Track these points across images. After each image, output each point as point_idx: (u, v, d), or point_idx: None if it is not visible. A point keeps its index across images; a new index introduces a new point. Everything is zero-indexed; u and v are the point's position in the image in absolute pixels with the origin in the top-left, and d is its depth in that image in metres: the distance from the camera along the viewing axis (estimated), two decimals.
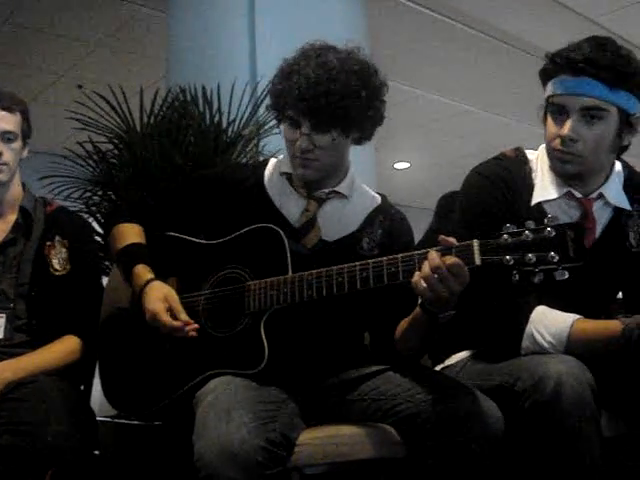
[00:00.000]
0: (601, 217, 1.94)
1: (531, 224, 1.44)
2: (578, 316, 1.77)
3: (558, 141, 1.82)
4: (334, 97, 1.76)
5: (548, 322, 1.77)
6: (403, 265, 1.56)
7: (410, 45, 6.06)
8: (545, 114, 1.89)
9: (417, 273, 1.52)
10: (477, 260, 1.47)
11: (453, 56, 6.33)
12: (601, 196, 1.92)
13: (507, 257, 1.44)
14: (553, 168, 1.89)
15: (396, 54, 6.06)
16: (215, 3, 4.15)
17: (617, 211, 1.94)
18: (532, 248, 1.42)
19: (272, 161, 2.06)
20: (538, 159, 1.97)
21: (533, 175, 1.95)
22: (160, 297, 1.79)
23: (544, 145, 1.99)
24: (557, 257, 1.40)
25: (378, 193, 2.06)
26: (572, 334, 1.74)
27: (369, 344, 2.01)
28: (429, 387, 1.67)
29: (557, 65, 1.81)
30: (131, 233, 1.96)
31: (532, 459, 1.66)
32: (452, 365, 2.00)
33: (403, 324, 1.79)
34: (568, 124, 1.80)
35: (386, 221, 1.98)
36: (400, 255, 1.57)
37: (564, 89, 1.80)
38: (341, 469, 1.70)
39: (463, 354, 2.00)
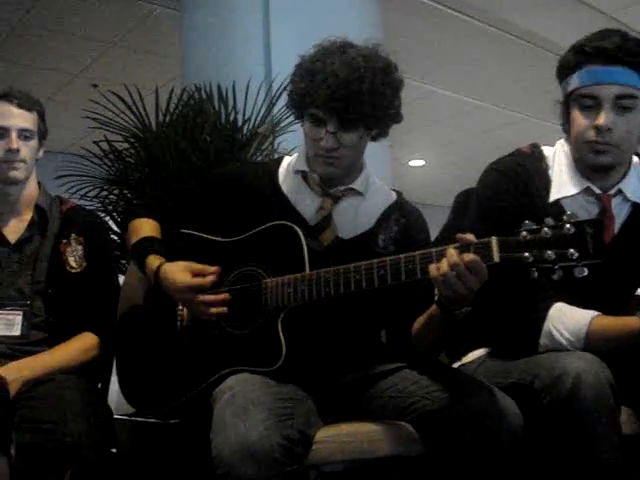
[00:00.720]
0: (620, 213, 1.92)
1: (550, 221, 1.43)
2: (596, 313, 1.76)
3: (592, 132, 1.80)
4: (364, 96, 1.76)
5: (566, 319, 1.76)
6: (421, 262, 1.55)
7: (425, 42, 6.05)
8: (567, 108, 1.87)
9: (435, 270, 1.51)
10: (496, 257, 1.46)
11: (468, 53, 6.31)
12: (620, 192, 1.91)
13: (526, 254, 1.42)
14: (584, 161, 1.86)
15: (411, 51, 6.05)
16: (230, 1, 4.16)
17: (636, 207, 1.93)
18: (551, 245, 1.41)
19: (286, 159, 2.06)
20: (555, 155, 1.96)
21: (550, 171, 1.93)
22: (181, 268, 1.81)
23: (562, 141, 1.98)
24: (577, 254, 1.38)
25: (393, 190, 2.06)
26: (591, 331, 1.73)
27: (386, 341, 2.00)
28: (447, 384, 1.66)
29: (585, 56, 1.79)
30: (146, 228, 1.97)
31: (550, 457, 1.65)
32: (469, 363, 1.99)
33: (420, 321, 1.79)
34: (603, 114, 1.78)
35: (402, 218, 1.97)
36: (418, 252, 1.56)
37: (595, 79, 1.78)
38: (359, 466, 1.70)
39: (480, 351, 1.99)
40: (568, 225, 1.40)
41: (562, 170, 1.92)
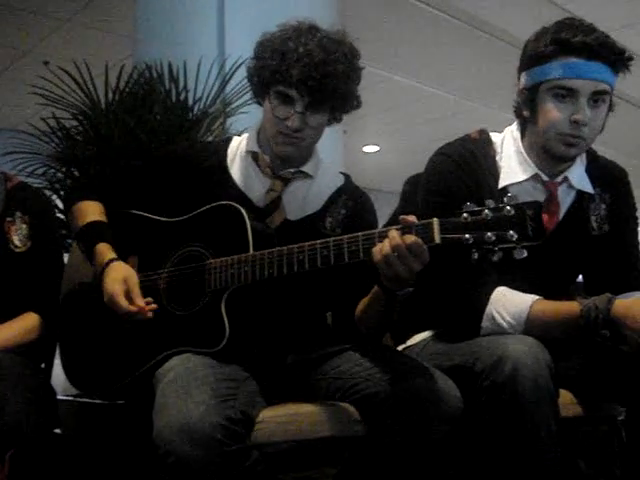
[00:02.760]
0: (565, 200, 1.96)
1: (491, 203, 1.44)
2: (537, 297, 1.78)
3: (567, 125, 1.81)
4: (337, 78, 1.78)
5: (508, 303, 1.78)
6: (364, 243, 1.56)
7: (380, 28, 6.05)
8: (533, 95, 1.87)
9: (377, 251, 1.52)
10: (437, 239, 1.46)
11: (423, 40, 6.33)
12: (565, 179, 1.94)
13: (467, 236, 1.44)
14: (550, 151, 1.87)
15: (366, 36, 5.96)
16: None
17: (580, 194, 1.97)
18: (491, 227, 1.42)
19: (235, 139, 2.04)
20: (504, 142, 1.98)
21: (497, 157, 1.95)
22: (119, 279, 1.76)
23: (511, 127, 2.00)
24: (516, 236, 1.40)
25: (342, 173, 2.06)
26: (531, 315, 1.75)
27: (332, 323, 2.01)
28: (389, 366, 1.67)
29: (566, 47, 1.79)
30: (92, 211, 1.94)
31: (490, 439, 1.67)
32: (413, 345, 2.01)
33: (363, 302, 1.80)
34: (581, 108, 1.80)
35: (350, 201, 1.98)
36: (361, 233, 1.57)
37: (577, 73, 1.79)
38: (301, 447, 1.70)
39: (425, 334, 2.01)
40: (508, 207, 1.42)
41: (510, 156, 1.94)
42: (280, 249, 1.66)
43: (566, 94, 1.81)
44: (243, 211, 1.76)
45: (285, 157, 1.89)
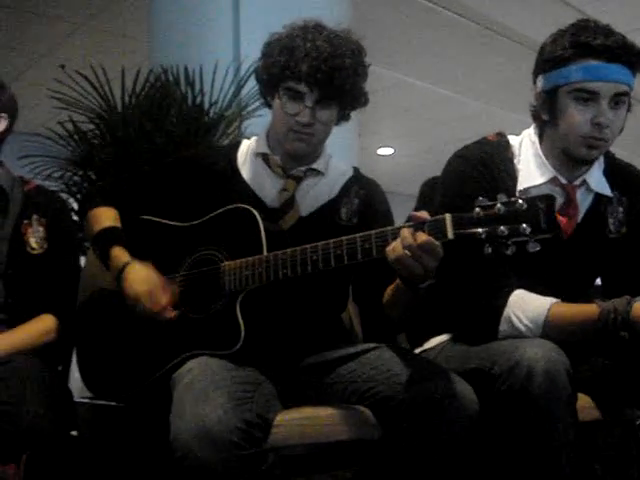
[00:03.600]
0: (583, 203, 1.95)
1: (503, 197, 1.44)
2: (555, 300, 1.77)
3: (589, 127, 1.81)
4: (345, 72, 1.80)
5: (526, 306, 1.77)
6: (377, 241, 1.56)
7: (395, 31, 6.04)
8: (553, 98, 1.86)
9: (390, 251, 1.51)
10: (450, 234, 1.46)
11: (438, 42, 6.31)
12: (584, 182, 1.94)
13: (479, 230, 1.43)
14: (573, 154, 1.86)
15: (381, 40, 6.04)
16: None
17: (598, 197, 1.96)
18: (504, 221, 1.41)
19: (244, 142, 2.06)
20: (522, 144, 1.97)
21: (516, 160, 1.95)
22: (139, 279, 1.78)
23: (529, 130, 1.99)
24: (529, 229, 1.39)
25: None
26: (549, 318, 1.74)
27: (361, 318, 2.02)
28: (405, 369, 1.67)
29: (587, 50, 1.79)
30: (106, 217, 1.95)
31: (507, 443, 1.67)
32: (430, 348, 2.01)
33: (388, 292, 1.80)
34: (603, 110, 1.80)
35: (361, 190, 1.99)
36: (374, 232, 1.57)
37: (598, 75, 1.79)
38: (318, 450, 1.70)
39: (442, 337, 2.01)
40: (521, 201, 1.41)
41: (529, 159, 1.94)
42: (294, 250, 1.66)
43: (587, 97, 1.80)
44: (256, 213, 1.76)
45: (296, 154, 1.90)
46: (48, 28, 5.83)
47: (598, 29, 1.81)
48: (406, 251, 1.48)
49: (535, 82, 1.93)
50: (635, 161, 2.05)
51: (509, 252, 1.43)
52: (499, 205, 1.43)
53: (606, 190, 1.96)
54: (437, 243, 1.47)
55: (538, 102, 1.92)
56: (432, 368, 1.68)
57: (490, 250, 1.44)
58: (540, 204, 1.40)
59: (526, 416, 1.61)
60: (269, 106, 1.97)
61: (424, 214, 1.51)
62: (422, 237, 1.47)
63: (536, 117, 1.95)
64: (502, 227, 1.41)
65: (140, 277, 1.79)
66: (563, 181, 1.91)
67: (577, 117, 1.82)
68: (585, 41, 1.79)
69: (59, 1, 5.40)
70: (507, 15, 5.86)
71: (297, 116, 1.83)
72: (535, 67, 1.93)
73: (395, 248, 1.50)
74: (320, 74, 1.78)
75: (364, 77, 1.90)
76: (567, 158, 1.89)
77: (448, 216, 1.47)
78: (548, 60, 1.86)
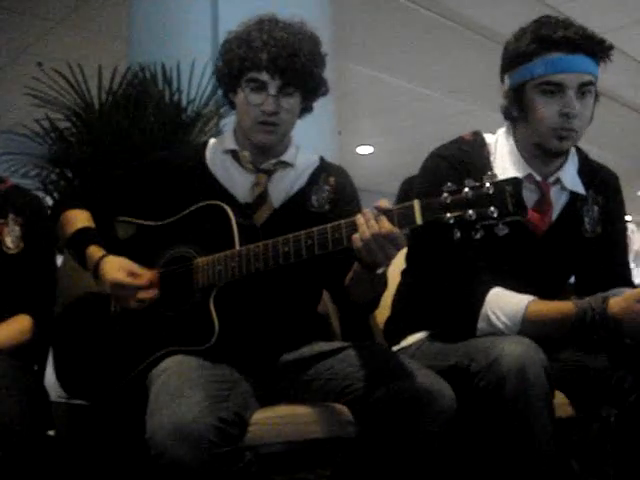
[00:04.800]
0: (557, 201, 1.96)
1: (470, 182, 1.44)
2: (532, 297, 1.79)
3: (558, 118, 1.83)
4: (303, 58, 1.83)
5: (503, 304, 1.78)
6: (346, 230, 1.55)
7: (374, 30, 6.04)
8: (520, 94, 1.88)
9: (357, 239, 1.52)
10: (418, 220, 1.46)
11: (417, 41, 6.32)
12: (558, 180, 1.95)
13: (448, 215, 1.43)
14: (545, 146, 1.88)
15: (360, 38, 6.05)
16: None
17: (573, 196, 1.98)
18: (472, 205, 1.41)
19: (212, 141, 2.07)
20: (497, 142, 1.99)
21: (492, 158, 1.96)
22: (117, 267, 1.78)
23: (503, 129, 2.01)
24: (497, 212, 1.39)
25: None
26: (527, 315, 1.75)
27: (333, 302, 2.02)
28: (382, 367, 1.68)
29: (548, 43, 1.81)
30: (80, 218, 1.95)
31: (485, 439, 1.68)
32: (408, 346, 2.01)
33: (348, 277, 1.79)
34: (570, 101, 1.82)
35: (330, 177, 2.00)
36: (343, 221, 1.56)
37: (561, 67, 1.81)
38: (295, 448, 1.70)
39: (420, 335, 2.01)
40: (488, 184, 1.41)
41: (504, 156, 1.95)
42: (265, 242, 1.66)
43: (553, 89, 1.83)
44: (227, 208, 1.76)
45: (264, 146, 1.91)
46: (25, 25, 5.77)
47: (558, 22, 1.84)
48: (372, 239, 1.49)
49: (503, 81, 1.95)
50: (619, 162, 2.06)
51: (478, 236, 1.43)
52: (466, 189, 1.43)
53: (580, 188, 1.97)
54: (400, 232, 1.48)
55: (507, 100, 1.94)
56: (410, 366, 1.67)
57: (459, 235, 1.44)
58: (507, 187, 1.40)
59: (504, 413, 1.62)
60: (232, 105, 1.99)
61: (384, 202, 1.51)
62: (388, 227, 1.48)
63: (507, 115, 1.97)
64: (470, 211, 1.41)
65: (116, 264, 1.79)
66: (538, 178, 1.92)
67: (545, 110, 1.84)
68: (546, 34, 1.82)
69: None
70: (485, 14, 5.88)
71: (262, 106, 1.84)
72: (501, 66, 1.95)
73: (362, 236, 1.50)
74: (280, 61, 1.81)
75: (322, 66, 1.93)
76: (541, 152, 1.91)
77: (416, 202, 1.47)
78: (512, 57, 1.89)
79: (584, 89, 1.84)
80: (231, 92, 1.94)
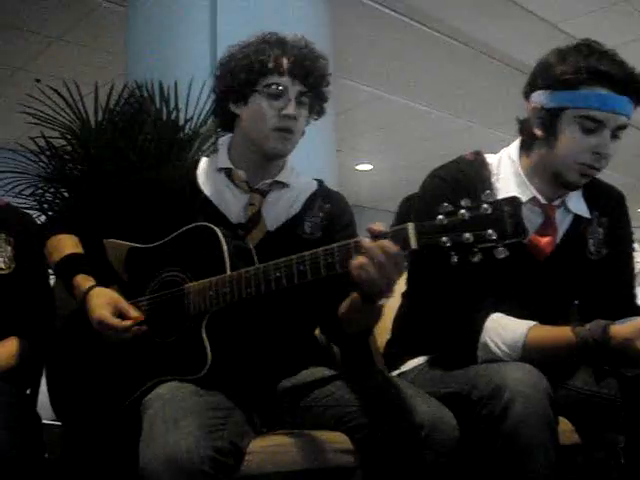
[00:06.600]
0: (562, 224, 1.93)
1: (467, 202, 1.38)
2: (532, 323, 1.75)
3: (590, 156, 1.79)
4: (322, 69, 1.88)
5: (503, 331, 1.75)
6: (339, 255, 1.50)
7: (374, 46, 6.05)
8: (556, 120, 1.82)
9: (353, 261, 1.46)
10: (413, 244, 1.40)
11: (417, 59, 6.33)
12: (563, 203, 1.92)
13: (444, 238, 1.37)
14: (564, 178, 1.84)
15: (359, 55, 6.05)
16: None
17: (577, 218, 1.94)
18: (469, 227, 1.35)
19: (203, 160, 2.04)
20: (500, 163, 1.95)
21: (493, 179, 1.92)
22: (103, 303, 1.74)
23: (507, 149, 1.97)
24: (495, 235, 1.33)
25: (315, 179, 2.06)
26: (527, 343, 1.72)
27: (320, 329, 1.99)
28: (383, 395, 1.63)
29: (596, 77, 1.75)
30: (67, 244, 1.91)
31: (487, 468, 1.63)
32: (408, 371, 1.97)
33: (344, 306, 1.76)
34: (606, 142, 1.78)
35: (326, 204, 1.97)
36: (336, 245, 1.51)
37: (606, 105, 1.76)
38: (293, 478, 1.66)
39: (419, 360, 1.97)
40: (485, 205, 1.35)
41: (508, 178, 1.91)
42: (257, 267, 1.62)
43: (593, 126, 1.77)
44: (217, 230, 1.72)
45: (279, 154, 1.88)
46: (23, 41, 5.78)
47: (608, 56, 1.78)
48: (370, 262, 1.43)
49: (529, 96, 1.88)
50: (619, 179, 2.03)
51: (476, 259, 1.37)
52: (463, 211, 1.37)
53: (584, 211, 1.94)
54: (400, 251, 1.42)
55: (534, 117, 1.87)
56: (410, 392, 1.63)
57: (456, 259, 1.38)
58: (506, 207, 1.34)
59: (507, 441, 1.58)
60: (227, 122, 1.97)
61: (378, 224, 1.46)
62: (385, 244, 1.42)
63: (526, 131, 1.91)
64: (467, 234, 1.35)
65: (103, 299, 1.74)
66: (542, 201, 1.88)
67: (580, 144, 1.79)
68: (602, 69, 1.75)
69: (34, 14, 5.36)
70: (485, 32, 5.89)
71: (283, 110, 1.81)
72: (533, 81, 1.88)
73: (359, 259, 1.45)
74: (301, 66, 1.83)
75: (329, 83, 1.94)
76: (553, 180, 1.87)
77: (410, 225, 1.41)
78: (556, 79, 1.81)
79: (618, 131, 1.80)
80: (240, 102, 1.89)
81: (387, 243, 1.42)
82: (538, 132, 1.86)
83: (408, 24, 5.73)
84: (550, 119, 1.82)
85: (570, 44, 1.85)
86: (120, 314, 1.73)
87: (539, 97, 1.85)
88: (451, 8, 5.53)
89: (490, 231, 1.34)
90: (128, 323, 1.72)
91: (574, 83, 1.78)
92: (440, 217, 1.38)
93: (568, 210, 1.93)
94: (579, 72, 1.77)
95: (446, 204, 1.40)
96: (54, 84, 3.11)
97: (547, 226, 1.89)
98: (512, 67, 6.10)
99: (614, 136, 1.80)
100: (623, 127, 1.80)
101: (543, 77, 1.85)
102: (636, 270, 2.14)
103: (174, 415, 1.47)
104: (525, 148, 1.93)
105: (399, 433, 1.55)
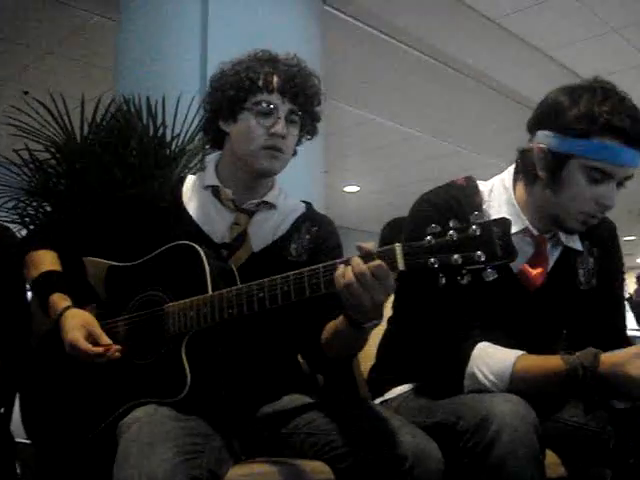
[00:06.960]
0: (552, 254, 1.90)
1: (456, 223, 1.35)
2: (520, 353, 1.71)
3: (594, 206, 1.75)
4: (314, 88, 1.87)
5: (490, 360, 1.71)
6: (325, 275, 1.46)
7: (363, 69, 6.07)
8: (561, 165, 1.75)
9: (340, 278, 1.42)
10: (400, 265, 1.37)
11: (405, 81, 6.35)
12: (554, 235, 1.89)
13: (431, 260, 1.34)
14: (562, 224, 1.81)
15: (348, 77, 6.06)
16: (167, 13, 4.08)
17: (567, 248, 1.91)
18: (457, 249, 1.32)
19: (190, 177, 1.99)
20: (492, 191, 1.91)
21: (485, 206, 1.88)
22: (77, 325, 1.68)
23: (501, 176, 1.93)
24: (484, 257, 1.31)
25: (303, 201, 2.03)
26: (515, 373, 1.68)
27: (301, 352, 1.94)
28: (366, 424, 1.59)
29: (613, 130, 1.69)
30: (46, 260, 1.85)
31: None
32: (392, 399, 1.93)
33: (328, 330, 1.72)
34: (611, 193, 1.74)
35: (313, 227, 1.94)
36: (321, 265, 1.47)
37: (618, 159, 1.71)
38: None
39: (404, 387, 1.93)
40: (474, 226, 1.32)
41: (501, 206, 1.87)
42: (239, 287, 1.57)
43: (600, 177, 1.73)
44: (199, 249, 1.67)
45: (268, 172, 1.85)
46: (13, 53, 5.75)
47: (620, 106, 1.72)
48: (357, 279, 1.39)
49: (534, 132, 1.83)
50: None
51: (464, 281, 1.34)
52: (451, 232, 1.34)
53: (576, 244, 1.91)
54: (389, 270, 1.38)
55: (538, 157, 1.79)
56: (394, 423, 1.58)
57: (444, 281, 1.35)
58: (495, 229, 1.32)
59: (494, 474, 1.53)
60: (215, 143, 1.94)
61: (370, 245, 1.43)
62: (375, 262, 1.38)
63: (526, 169, 1.85)
64: (455, 256, 1.32)
65: (77, 322, 1.69)
66: (534, 232, 1.85)
67: (584, 193, 1.74)
68: (616, 124, 1.69)
69: (25, 27, 5.34)
70: (474, 57, 5.91)
71: (272, 128, 1.78)
72: (540, 119, 1.82)
73: (345, 274, 1.41)
74: (291, 85, 1.80)
75: (320, 103, 1.92)
76: (551, 221, 1.83)
77: (398, 246, 1.38)
78: (568, 125, 1.74)
79: (624, 181, 1.77)
80: (229, 119, 1.86)
81: (375, 262, 1.39)
82: (542, 174, 1.80)
83: (398, 47, 5.75)
84: (556, 164, 1.77)
85: (583, 82, 1.79)
86: (92, 340, 1.68)
87: (546, 138, 1.78)
88: (442, 33, 5.55)
89: (479, 253, 1.31)
90: (99, 350, 1.65)
91: (585, 131, 1.71)
92: (428, 238, 1.36)
93: (559, 242, 1.90)
94: (593, 122, 1.70)
95: (434, 225, 1.37)
96: (43, 97, 3.06)
97: (538, 256, 1.86)
98: (502, 94, 6.14)
99: (619, 184, 1.77)
100: (630, 177, 1.77)
101: (552, 118, 1.78)
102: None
103: (150, 440, 1.42)
104: (524, 181, 1.88)
105: (382, 464, 1.50)
